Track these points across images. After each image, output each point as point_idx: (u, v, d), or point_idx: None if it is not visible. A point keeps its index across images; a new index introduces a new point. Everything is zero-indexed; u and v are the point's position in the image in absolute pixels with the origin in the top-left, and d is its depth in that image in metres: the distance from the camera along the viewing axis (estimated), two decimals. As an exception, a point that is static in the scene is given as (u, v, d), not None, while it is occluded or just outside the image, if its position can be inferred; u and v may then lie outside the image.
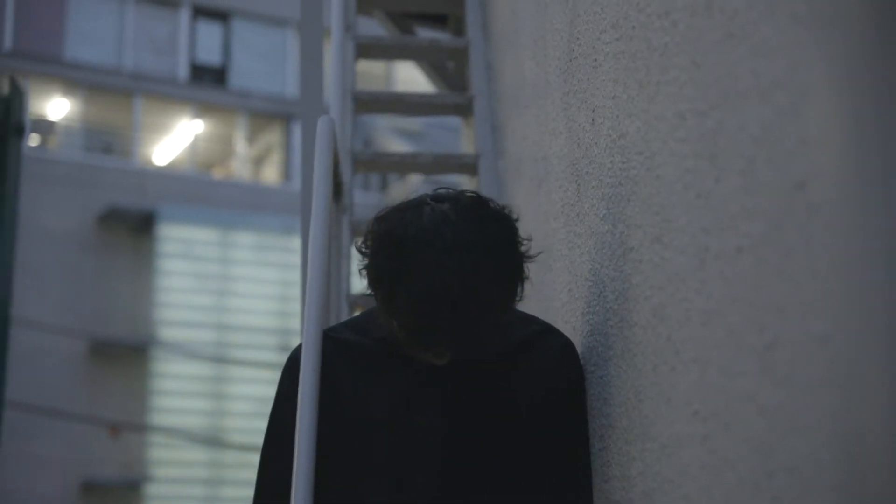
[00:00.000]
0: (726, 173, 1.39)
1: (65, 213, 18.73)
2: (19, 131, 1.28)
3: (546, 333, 2.18)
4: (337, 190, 2.86)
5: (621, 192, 1.97)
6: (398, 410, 2.09)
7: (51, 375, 17.06)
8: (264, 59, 22.24)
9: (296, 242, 18.83)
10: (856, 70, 1.04)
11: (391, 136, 21.58)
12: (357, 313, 3.60)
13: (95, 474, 17.52)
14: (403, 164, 3.79)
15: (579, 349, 2.22)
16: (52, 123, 20.03)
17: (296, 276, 18.64)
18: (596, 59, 2.20)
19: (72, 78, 20.35)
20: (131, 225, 19.15)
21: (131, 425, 17.75)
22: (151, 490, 17.96)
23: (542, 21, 2.93)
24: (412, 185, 21.32)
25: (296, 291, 18.69)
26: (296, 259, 18.82)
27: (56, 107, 20.51)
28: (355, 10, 4.32)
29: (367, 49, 4.21)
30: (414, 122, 21.45)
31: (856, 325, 1.05)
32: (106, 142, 21.09)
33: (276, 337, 19.00)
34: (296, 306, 18.68)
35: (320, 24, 4.12)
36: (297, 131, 21.53)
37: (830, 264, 1.10)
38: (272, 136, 22.39)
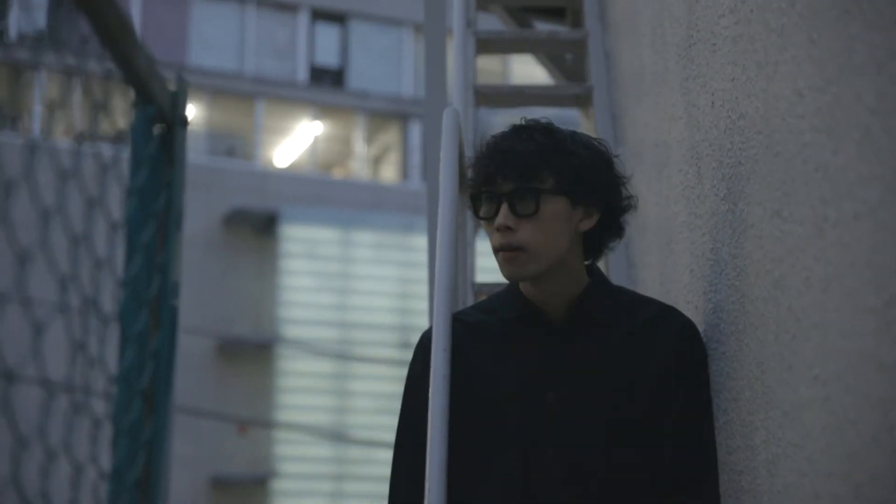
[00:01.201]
0: (844, 144, 1.44)
1: (191, 216, 19.08)
2: (184, 122, 1.39)
3: (667, 312, 2.24)
4: (462, 181, 2.95)
5: (741, 172, 2.02)
6: (527, 386, 2.17)
7: (180, 374, 17.35)
8: (381, 59, 22.52)
9: (415, 240, 19.05)
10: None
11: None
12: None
13: (224, 470, 17.95)
14: (522, 97, 3.89)
15: (702, 327, 2.28)
16: (177, 128, 20.57)
17: (416, 273, 18.86)
18: (714, 44, 2.26)
19: (196, 83, 20.84)
20: (255, 226, 19.57)
21: (258, 422, 18.13)
22: (278, 486, 18.32)
23: (661, 9, 2.99)
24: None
25: (416, 289, 18.91)
26: (415, 257, 19.04)
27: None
28: (475, 7, 4.41)
29: (488, 44, 4.30)
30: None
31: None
32: (229, 145, 21.58)
33: (397, 334, 19.23)
34: (416, 304, 18.91)
35: (443, 22, 4.22)
36: (414, 130, 21.77)
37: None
38: (390, 136, 22.66)
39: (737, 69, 2.07)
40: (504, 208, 2.10)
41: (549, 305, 2.20)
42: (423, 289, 18.73)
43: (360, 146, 22.28)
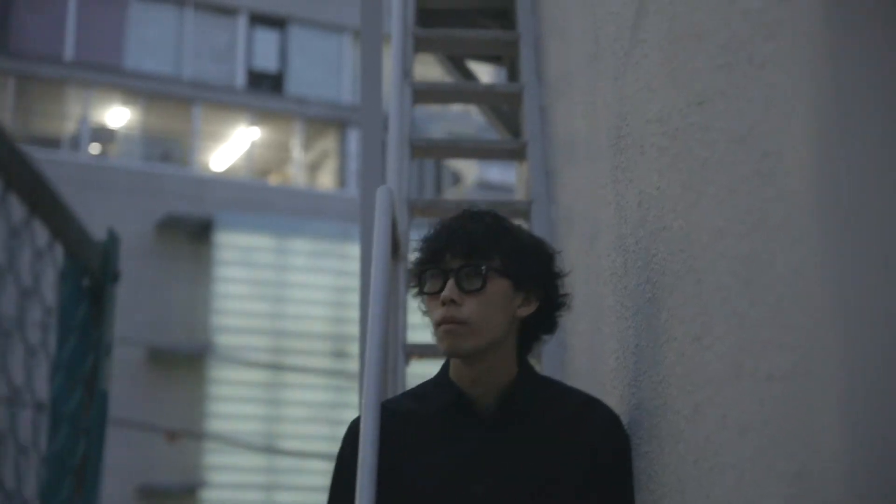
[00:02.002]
0: (761, 299, 1.48)
1: (124, 221, 18.99)
2: (115, 278, 1.40)
3: (592, 404, 2.29)
4: (395, 247, 2.98)
5: (665, 282, 2.06)
6: (455, 479, 2.20)
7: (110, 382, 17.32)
8: (321, 65, 22.47)
9: (351, 249, 19.04)
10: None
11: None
12: (413, 361, 3.73)
13: (153, 479, 17.81)
14: (460, 210, 3.91)
15: (626, 419, 2.32)
16: (112, 132, 20.38)
17: (352, 282, 18.83)
18: (643, 146, 2.30)
19: (132, 87, 20.68)
20: (189, 232, 19.43)
21: (188, 431, 18.00)
22: (207, 495, 18.21)
23: (593, 86, 3.02)
24: (465, 190, 21.45)
25: (352, 298, 18.88)
26: (352, 266, 19.01)
27: (116, 115, 20.85)
28: (412, 54, 4.43)
29: (424, 95, 4.33)
30: (467, 126, 21.61)
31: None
32: (164, 149, 21.40)
33: (331, 343, 19.19)
34: (351, 313, 18.89)
35: (380, 29, 4.21)
36: (353, 137, 21.74)
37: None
38: (328, 143, 22.60)
39: (662, 180, 2.11)
40: (451, 283, 2.17)
41: (479, 394, 2.24)
42: (359, 298, 18.66)
43: (297, 152, 22.21)
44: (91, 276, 1.53)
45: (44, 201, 1.13)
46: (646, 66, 2.28)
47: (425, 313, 2.28)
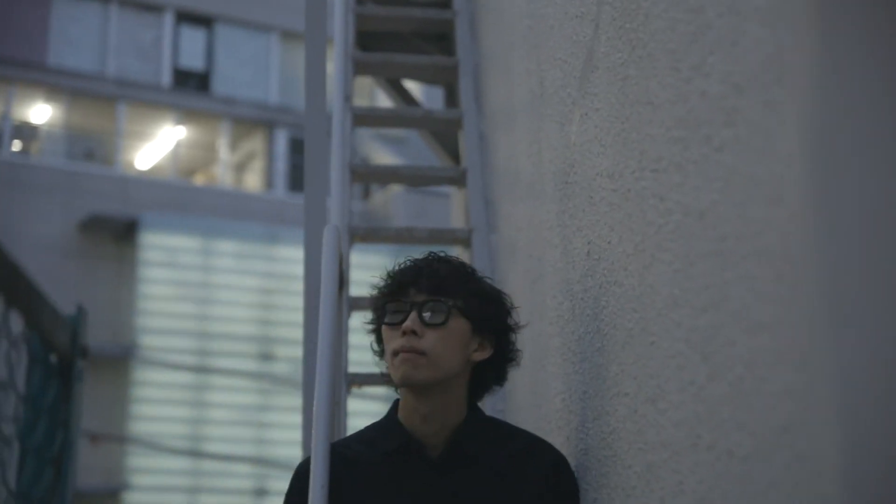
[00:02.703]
0: (718, 376, 1.53)
1: (46, 221, 18.77)
2: (84, 354, 1.40)
3: (538, 445, 2.34)
4: (340, 280, 3.00)
5: (616, 337, 2.10)
6: (404, 523, 2.23)
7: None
8: (248, 65, 22.33)
9: (278, 251, 19.00)
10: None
11: (376, 142, 21.72)
12: (354, 388, 3.74)
13: (76, 483, 17.56)
14: (400, 237, 3.94)
15: (573, 462, 2.36)
16: (34, 129, 20.07)
17: (278, 284, 18.79)
18: (592, 198, 2.33)
19: (55, 84, 20.39)
20: (113, 232, 19.21)
21: (111, 434, 17.80)
22: (131, 498, 18.02)
23: (538, 126, 3.04)
24: (393, 193, 21.43)
25: (278, 300, 18.84)
26: (278, 267, 18.97)
27: (39, 113, 20.54)
28: (353, 78, 4.45)
29: (364, 119, 4.34)
30: (399, 131, 21.61)
31: None
32: (88, 148, 21.13)
33: (257, 345, 19.08)
34: (278, 315, 18.83)
35: (324, 30, 4.18)
36: (280, 138, 21.62)
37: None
38: (255, 143, 22.47)
39: (613, 235, 2.14)
40: (413, 315, 2.23)
41: (428, 435, 2.27)
42: (286, 300, 18.66)
43: (224, 153, 22.05)
44: (59, 353, 1.54)
45: (20, 292, 1.13)
46: (595, 120, 2.31)
47: (377, 352, 2.33)
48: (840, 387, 1.23)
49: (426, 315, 2.23)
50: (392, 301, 2.28)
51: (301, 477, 2.34)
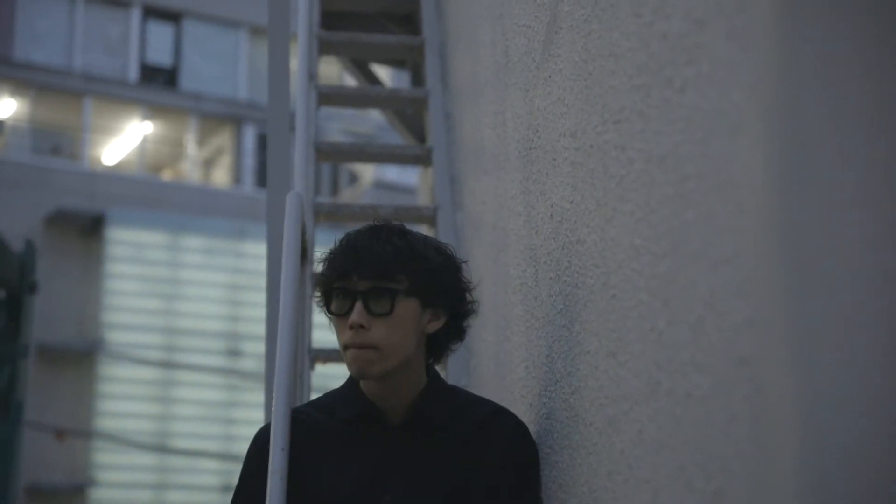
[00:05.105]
0: (679, 319, 1.51)
1: (11, 215, 18.59)
2: (32, 288, 1.36)
3: (499, 413, 2.31)
4: (302, 252, 2.97)
5: (578, 295, 2.09)
6: (363, 489, 2.21)
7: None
8: (216, 61, 22.23)
9: (246, 246, 18.92)
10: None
11: (343, 137, 21.69)
12: (318, 366, 3.72)
13: (41, 479, 17.43)
14: (365, 215, 3.91)
15: (534, 428, 2.35)
16: (0, 124, 19.92)
17: (246, 280, 18.70)
18: (555, 160, 2.32)
19: (21, 78, 20.24)
20: (80, 228, 19.08)
21: (77, 430, 17.68)
22: (97, 494, 17.91)
23: (503, 96, 3.04)
24: (362, 190, 21.41)
25: (246, 296, 18.75)
26: (246, 263, 18.88)
27: (4, 107, 20.38)
28: (317, 57, 4.42)
29: (330, 97, 4.32)
30: (365, 124, 21.59)
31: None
32: (54, 143, 20.98)
33: (224, 341, 19.01)
34: (245, 311, 18.74)
35: (287, 25, 4.16)
36: (248, 134, 21.54)
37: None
38: (223, 139, 22.38)
39: (576, 194, 2.13)
40: (359, 306, 2.15)
41: (388, 405, 2.25)
42: (254, 296, 18.56)
43: (191, 148, 21.94)
44: (8, 288, 1.51)
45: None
46: (559, 81, 2.30)
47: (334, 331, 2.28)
48: (799, 317, 1.21)
49: (371, 305, 2.15)
50: (335, 288, 2.20)
51: (258, 442, 2.31)
